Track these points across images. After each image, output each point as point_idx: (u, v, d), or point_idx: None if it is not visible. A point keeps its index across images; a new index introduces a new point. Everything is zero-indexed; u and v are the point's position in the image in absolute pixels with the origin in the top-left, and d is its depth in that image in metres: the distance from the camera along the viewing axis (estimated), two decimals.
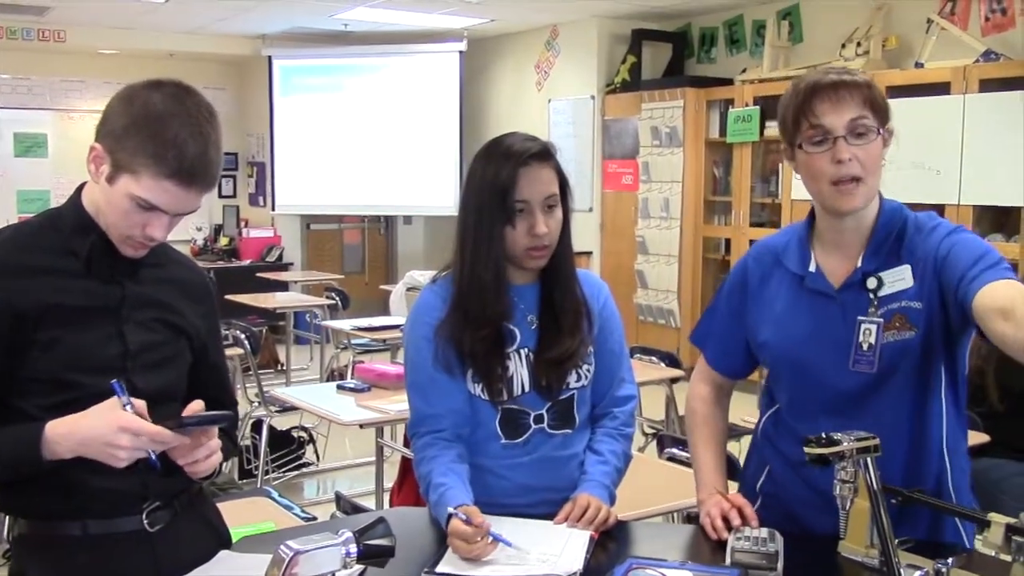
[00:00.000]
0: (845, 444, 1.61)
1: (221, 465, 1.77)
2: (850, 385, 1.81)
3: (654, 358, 4.73)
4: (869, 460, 1.61)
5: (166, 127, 1.54)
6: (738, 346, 2.01)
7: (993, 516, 1.54)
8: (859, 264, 1.82)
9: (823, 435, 1.62)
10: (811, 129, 1.75)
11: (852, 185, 1.75)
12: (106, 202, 1.61)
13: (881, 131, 1.76)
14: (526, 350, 1.98)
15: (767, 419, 2.01)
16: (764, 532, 1.76)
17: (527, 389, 1.97)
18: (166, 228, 1.63)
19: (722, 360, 2.07)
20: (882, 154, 1.78)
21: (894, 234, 1.81)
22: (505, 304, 1.96)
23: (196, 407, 1.61)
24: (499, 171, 1.91)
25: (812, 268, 1.87)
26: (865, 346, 1.78)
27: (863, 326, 1.78)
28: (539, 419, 1.99)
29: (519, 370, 1.97)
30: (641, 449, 4.42)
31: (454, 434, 1.97)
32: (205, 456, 1.61)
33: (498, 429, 1.98)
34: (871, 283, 1.79)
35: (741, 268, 2.01)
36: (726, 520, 1.86)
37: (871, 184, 1.77)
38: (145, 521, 1.67)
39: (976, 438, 3.21)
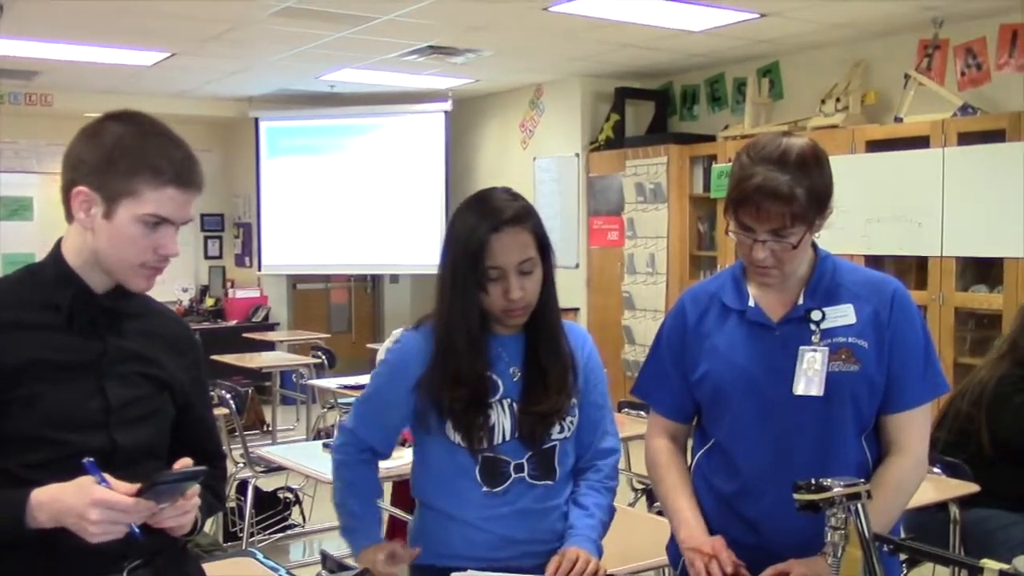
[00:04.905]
0: (835, 490, 1.59)
1: (202, 522, 1.75)
2: (794, 410, 1.85)
3: (642, 412, 4.71)
4: (860, 507, 1.59)
5: (147, 143, 1.60)
6: (685, 387, 2.01)
7: (986, 562, 1.53)
8: (800, 301, 1.91)
9: (812, 481, 1.60)
10: (736, 222, 1.87)
11: (767, 269, 1.87)
12: (108, 239, 1.61)
13: (807, 231, 1.84)
14: (509, 400, 1.97)
15: (701, 455, 2.03)
16: None
17: (508, 438, 1.95)
18: (176, 241, 1.65)
19: (671, 405, 2.06)
20: (809, 238, 1.87)
21: (828, 276, 1.93)
22: (482, 362, 1.95)
23: (183, 464, 1.58)
24: (473, 233, 1.90)
25: (751, 303, 1.94)
26: (810, 372, 1.85)
27: (807, 354, 1.86)
28: (519, 468, 1.97)
29: (501, 419, 1.95)
30: (631, 504, 4.37)
31: (373, 453, 2.08)
32: (176, 516, 1.57)
33: (478, 477, 1.96)
34: (815, 315, 1.89)
35: (679, 310, 2.05)
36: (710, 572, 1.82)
37: (786, 270, 1.88)
38: None
39: (965, 488, 3.19)
